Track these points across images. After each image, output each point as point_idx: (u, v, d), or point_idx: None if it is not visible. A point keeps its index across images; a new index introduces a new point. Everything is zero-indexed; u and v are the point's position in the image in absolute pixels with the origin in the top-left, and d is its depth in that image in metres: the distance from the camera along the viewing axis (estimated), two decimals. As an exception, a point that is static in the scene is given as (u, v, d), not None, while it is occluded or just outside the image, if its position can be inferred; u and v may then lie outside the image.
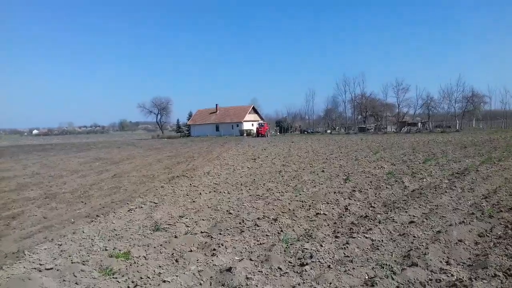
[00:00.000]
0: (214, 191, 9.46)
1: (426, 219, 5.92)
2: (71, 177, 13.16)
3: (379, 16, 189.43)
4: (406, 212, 6.45)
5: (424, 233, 5.26)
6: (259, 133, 55.22)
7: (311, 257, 4.46)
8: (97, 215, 7.08)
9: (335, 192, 8.62)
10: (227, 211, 7.23)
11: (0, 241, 5.61)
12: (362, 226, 5.73)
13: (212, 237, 5.57)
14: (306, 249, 4.76)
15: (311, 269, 4.14)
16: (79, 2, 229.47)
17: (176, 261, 4.61)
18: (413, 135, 43.31)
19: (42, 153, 27.43)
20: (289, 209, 7.19)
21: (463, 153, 16.42)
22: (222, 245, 5.12)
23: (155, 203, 8.17)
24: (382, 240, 5.04)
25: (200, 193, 9.18)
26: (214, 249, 4.97)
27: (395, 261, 4.28)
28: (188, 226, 6.22)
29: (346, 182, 9.92)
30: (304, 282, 3.80)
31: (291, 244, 5.02)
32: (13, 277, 3.97)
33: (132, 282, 3.97)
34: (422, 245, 4.71)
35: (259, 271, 4.14)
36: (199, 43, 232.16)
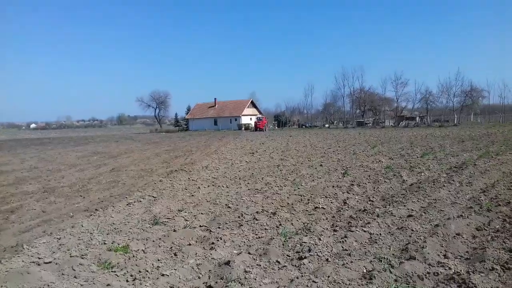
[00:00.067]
0: (213, 185, 9.46)
1: (424, 213, 5.94)
2: (69, 171, 13.13)
3: (378, 10, 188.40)
4: (404, 206, 6.48)
5: (422, 227, 5.28)
6: (257, 127, 55.12)
7: (309, 250, 4.48)
8: (95, 209, 7.07)
9: (333, 186, 8.64)
10: (225, 205, 7.24)
11: (-2, 235, 5.60)
12: (361, 220, 5.75)
13: (211, 231, 5.58)
14: (305, 242, 4.78)
15: (309, 262, 4.15)
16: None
17: (175, 254, 4.62)
18: (411, 129, 43.36)
19: (40, 147, 27.33)
20: (288, 203, 7.21)
21: (461, 147, 16.46)
22: (221, 239, 5.13)
23: (153, 197, 8.16)
24: (380, 234, 5.06)
25: (199, 187, 9.18)
26: (213, 243, 4.98)
27: (393, 254, 4.30)
28: (186, 220, 6.22)
29: (344, 176, 9.93)
30: (302, 275, 3.81)
31: (289, 238, 5.03)
32: (12, 270, 3.97)
33: (131, 275, 3.98)
34: (420, 239, 4.73)
35: (257, 265, 4.15)
36: (198, 36, 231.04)
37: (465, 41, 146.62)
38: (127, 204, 7.46)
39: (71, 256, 4.48)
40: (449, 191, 7.52)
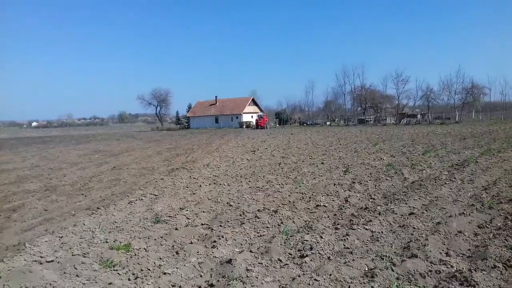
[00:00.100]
0: (214, 183, 9.46)
1: (426, 210, 5.93)
2: (70, 169, 13.15)
3: (378, 8, 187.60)
4: (406, 203, 6.47)
5: (424, 225, 5.27)
6: (258, 125, 55.12)
7: (311, 248, 4.48)
8: (97, 208, 7.08)
9: (335, 184, 8.63)
10: (227, 203, 7.24)
11: (1, 233, 5.61)
12: (362, 218, 5.74)
13: (212, 229, 5.58)
14: (306, 240, 4.77)
15: (311, 260, 4.15)
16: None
17: (177, 253, 4.62)
18: (413, 126, 43.26)
19: (41, 146, 27.38)
20: (289, 201, 7.20)
21: (462, 145, 16.41)
22: (223, 237, 5.13)
23: (155, 195, 8.17)
24: (382, 232, 5.05)
25: (200, 185, 9.18)
26: (215, 241, 4.99)
27: (395, 252, 4.29)
28: (188, 218, 6.23)
29: (345, 174, 9.92)
30: (304, 274, 3.81)
31: (291, 236, 5.03)
32: (14, 269, 3.97)
33: (133, 274, 3.99)
34: (422, 237, 4.73)
35: (259, 263, 4.15)
36: (199, 35, 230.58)
37: (465, 38, 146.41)
38: (129, 203, 7.47)
39: (73, 255, 4.49)
40: (451, 188, 7.50)
